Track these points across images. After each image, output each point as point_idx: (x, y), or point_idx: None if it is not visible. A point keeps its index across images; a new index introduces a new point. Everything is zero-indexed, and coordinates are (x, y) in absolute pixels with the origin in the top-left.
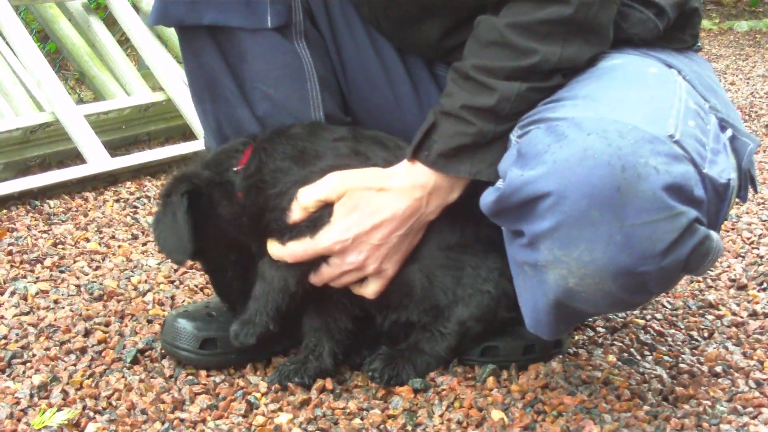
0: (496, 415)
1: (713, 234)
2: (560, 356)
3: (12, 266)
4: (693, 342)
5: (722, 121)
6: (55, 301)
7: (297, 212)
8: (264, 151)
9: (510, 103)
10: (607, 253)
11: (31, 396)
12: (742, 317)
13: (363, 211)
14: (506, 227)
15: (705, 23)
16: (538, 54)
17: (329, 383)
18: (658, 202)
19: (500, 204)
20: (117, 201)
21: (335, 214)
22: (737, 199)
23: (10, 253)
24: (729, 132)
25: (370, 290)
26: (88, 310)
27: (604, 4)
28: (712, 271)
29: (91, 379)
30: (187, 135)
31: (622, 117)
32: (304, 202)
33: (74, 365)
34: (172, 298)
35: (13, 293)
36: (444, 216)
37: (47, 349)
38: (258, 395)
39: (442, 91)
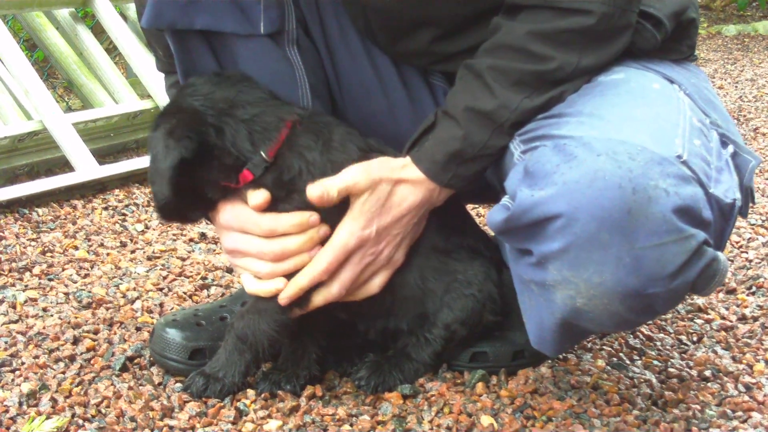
0: (486, 420)
1: (720, 255)
2: (549, 361)
3: (0, 274)
4: (682, 346)
5: (723, 136)
6: (44, 309)
7: (330, 194)
8: (299, 153)
9: (509, 111)
10: (617, 274)
11: (20, 404)
12: (731, 321)
13: (384, 205)
14: (514, 246)
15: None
16: (555, 60)
17: (319, 390)
18: (668, 225)
19: (509, 223)
20: (105, 209)
21: (356, 209)
22: (738, 216)
23: None
24: (731, 148)
25: (376, 283)
26: (76, 317)
27: (624, 14)
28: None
29: (80, 387)
30: None
31: (630, 137)
32: (333, 187)
33: (63, 373)
34: (161, 305)
35: (1, 301)
36: (432, 220)
37: (36, 357)
38: (247, 402)
39: (437, 100)
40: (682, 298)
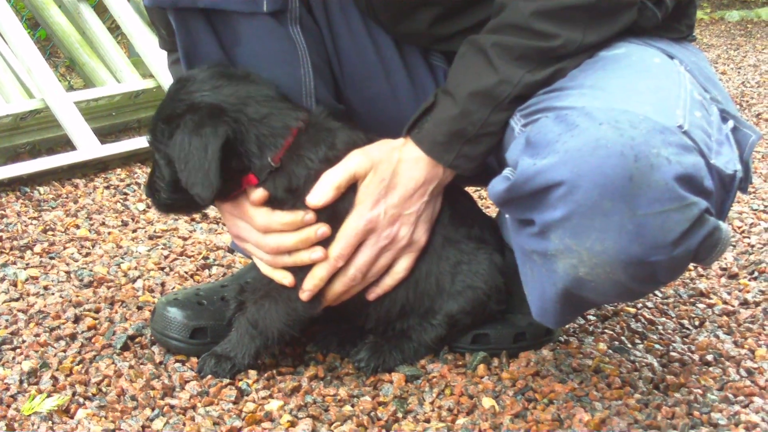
0: (487, 402)
1: (722, 225)
2: (551, 344)
3: (1, 252)
4: (684, 330)
5: (723, 112)
6: (45, 288)
7: (327, 193)
8: (303, 161)
9: (511, 86)
10: (619, 242)
11: (21, 382)
12: (733, 306)
13: (389, 185)
14: (515, 216)
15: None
16: (560, 38)
17: (320, 371)
18: (670, 193)
19: (511, 193)
20: (107, 188)
21: (361, 192)
22: (739, 191)
23: None
24: (731, 123)
25: (402, 267)
26: (77, 296)
27: None
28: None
29: (80, 366)
30: None
31: (632, 107)
32: (335, 180)
33: (64, 351)
34: (162, 284)
35: (2, 279)
36: (443, 210)
37: (37, 335)
38: (249, 382)
39: (438, 81)
40: (684, 267)
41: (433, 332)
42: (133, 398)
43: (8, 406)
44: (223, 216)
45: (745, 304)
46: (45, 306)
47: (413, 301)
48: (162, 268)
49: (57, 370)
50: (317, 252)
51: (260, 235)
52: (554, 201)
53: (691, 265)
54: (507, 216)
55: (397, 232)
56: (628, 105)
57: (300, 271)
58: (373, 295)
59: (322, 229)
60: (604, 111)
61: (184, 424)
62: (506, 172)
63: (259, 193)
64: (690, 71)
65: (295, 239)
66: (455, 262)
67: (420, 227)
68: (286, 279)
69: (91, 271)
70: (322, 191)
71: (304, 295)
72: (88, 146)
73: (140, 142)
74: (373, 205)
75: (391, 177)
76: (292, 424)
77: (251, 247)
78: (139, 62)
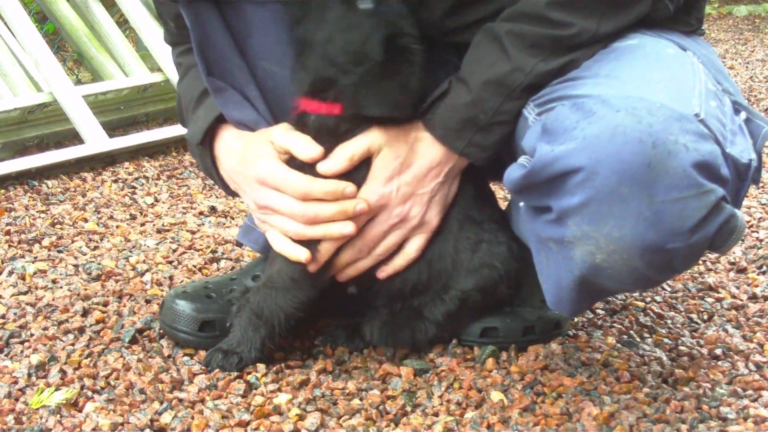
0: (496, 396)
1: (738, 213)
2: (560, 338)
3: (10, 246)
4: (692, 324)
5: (735, 103)
6: (53, 281)
7: (340, 162)
8: None
9: (523, 75)
10: (637, 229)
11: (29, 375)
12: (741, 300)
13: (404, 162)
14: (531, 203)
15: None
16: (574, 27)
17: (329, 365)
18: (688, 179)
19: (528, 179)
20: (115, 181)
21: (375, 168)
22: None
23: (8, 232)
24: (743, 115)
25: (413, 247)
26: (86, 290)
27: None
28: (710, 254)
29: (89, 359)
30: None
31: (649, 95)
32: (350, 152)
33: (72, 345)
34: (171, 278)
35: (11, 273)
36: (468, 189)
37: (45, 328)
38: (258, 375)
39: (446, 75)
40: (700, 254)
41: (443, 307)
42: (142, 392)
43: (17, 400)
44: (248, 185)
45: (753, 298)
46: (53, 299)
47: (426, 281)
48: (170, 262)
49: (65, 363)
50: (349, 226)
51: (296, 202)
52: (572, 187)
53: (700, 259)
54: (522, 204)
55: (408, 211)
56: (644, 93)
57: (309, 246)
58: (383, 273)
59: (362, 204)
60: (620, 98)
61: (192, 418)
62: (522, 159)
63: (317, 151)
64: (703, 63)
65: (334, 209)
66: (476, 241)
67: (432, 208)
68: (303, 255)
69: (99, 264)
70: (335, 160)
71: (312, 267)
72: (96, 140)
73: (148, 135)
74: (386, 181)
75: (406, 155)
76: (301, 418)
77: (278, 219)
78: (147, 56)
